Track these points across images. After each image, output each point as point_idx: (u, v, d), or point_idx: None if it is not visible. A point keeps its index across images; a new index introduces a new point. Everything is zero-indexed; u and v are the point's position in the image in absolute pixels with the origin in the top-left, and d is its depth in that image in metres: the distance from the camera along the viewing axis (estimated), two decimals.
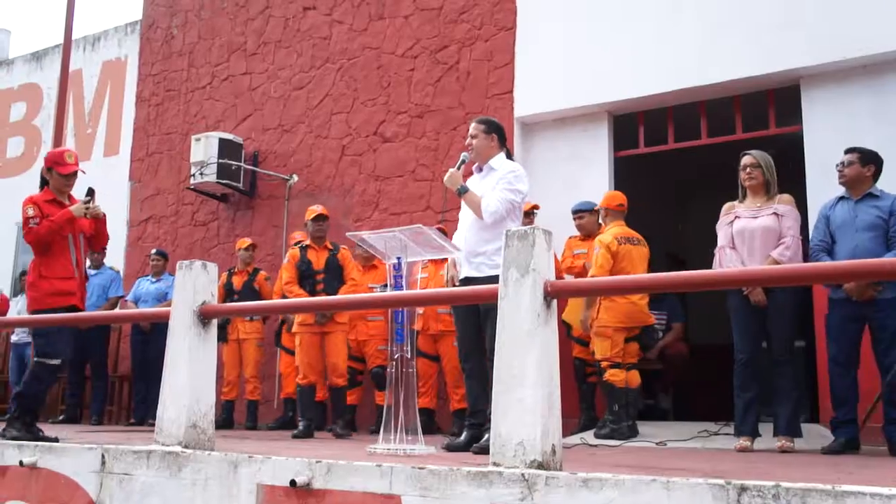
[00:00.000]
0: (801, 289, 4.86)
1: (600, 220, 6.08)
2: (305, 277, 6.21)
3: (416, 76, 7.72)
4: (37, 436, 4.51)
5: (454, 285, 4.52)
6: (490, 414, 2.76)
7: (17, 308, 8.72)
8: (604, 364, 5.50)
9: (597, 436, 5.42)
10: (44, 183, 4.99)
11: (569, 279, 6.24)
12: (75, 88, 10.18)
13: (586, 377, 6.16)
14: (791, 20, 5.97)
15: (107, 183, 9.51)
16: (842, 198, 4.66)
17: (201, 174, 8.25)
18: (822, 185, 5.45)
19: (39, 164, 5.40)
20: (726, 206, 4.89)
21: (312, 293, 6.11)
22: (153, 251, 8.34)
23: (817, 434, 5.00)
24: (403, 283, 4.09)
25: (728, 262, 4.70)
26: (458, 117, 7.31)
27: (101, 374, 8.14)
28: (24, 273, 7.90)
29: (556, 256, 5.98)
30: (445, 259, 4.84)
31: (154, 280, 8.15)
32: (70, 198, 5.03)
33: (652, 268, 6.12)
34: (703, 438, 5.27)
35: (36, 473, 3.75)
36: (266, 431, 7.08)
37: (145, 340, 7.84)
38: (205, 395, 3.61)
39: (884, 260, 3.69)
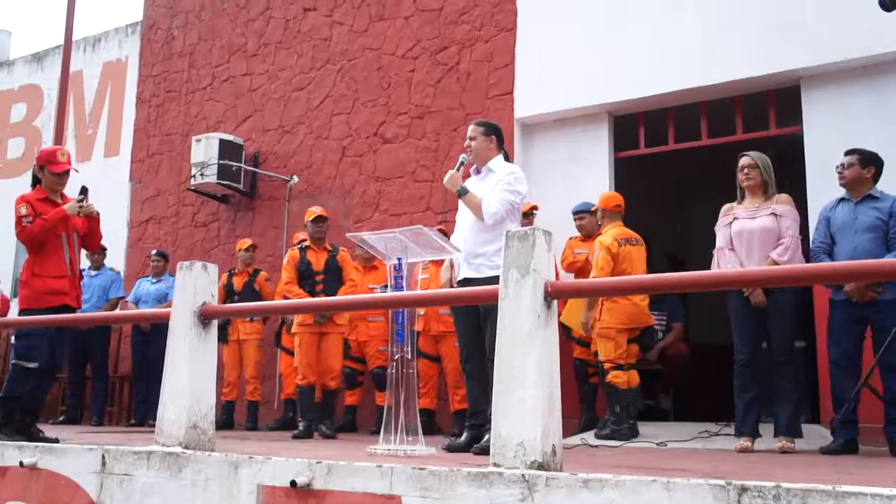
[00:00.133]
0: (800, 289, 4.86)
1: (598, 222, 6.08)
2: (305, 278, 6.23)
3: (417, 77, 7.73)
4: (36, 437, 4.50)
5: (452, 287, 4.53)
6: (490, 414, 2.76)
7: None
8: (607, 365, 5.50)
9: (597, 436, 5.42)
10: (35, 181, 4.96)
11: (571, 278, 6.25)
12: (76, 89, 10.19)
13: (587, 378, 6.17)
14: (791, 21, 5.97)
15: (107, 184, 9.54)
16: (842, 199, 4.66)
17: (202, 175, 8.26)
18: (823, 186, 5.45)
19: None
20: (725, 207, 4.90)
21: (312, 294, 6.12)
22: (153, 252, 8.35)
23: (818, 435, 5.00)
24: (404, 284, 4.10)
25: (726, 263, 4.70)
26: (458, 118, 7.31)
27: (102, 375, 8.15)
28: None
29: (555, 258, 5.99)
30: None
31: (154, 281, 8.15)
32: (63, 196, 5.01)
33: (651, 268, 6.13)
34: (703, 439, 5.27)
35: (36, 474, 3.75)
36: (266, 432, 7.08)
37: (146, 341, 7.84)
38: (205, 395, 3.62)
39: (884, 261, 3.69)
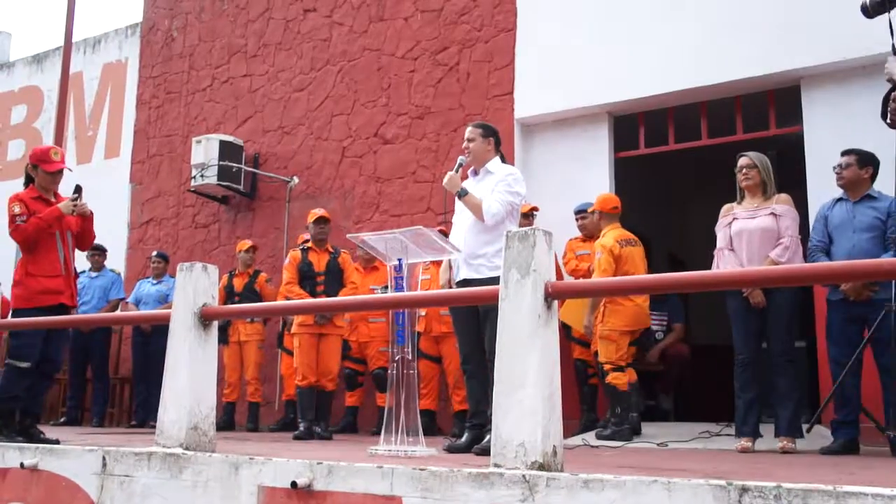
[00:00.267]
0: (800, 289, 4.86)
1: (594, 221, 6.09)
2: (306, 279, 6.25)
3: (417, 78, 7.73)
4: (37, 438, 4.50)
5: (450, 288, 4.54)
6: (491, 415, 2.76)
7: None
8: (606, 367, 5.50)
9: (598, 437, 5.42)
10: (29, 180, 4.94)
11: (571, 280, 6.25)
12: (76, 91, 10.19)
13: (588, 378, 6.17)
14: (791, 21, 5.97)
15: (107, 185, 9.54)
16: (840, 199, 4.67)
17: (202, 176, 8.26)
18: (823, 186, 5.44)
19: None
20: (725, 207, 4.91)
21: (313, 294, 6.13)
22: (154, 253, 8.35)
23: (819, 435, 5.00)
24: (404, 285, 4.10)
25: (726, 263, 4.71)
26: (458, 119, 7.31)
27: (103, 376, 8.15)
28: None
29: (557, 258, 5.99)
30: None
31: (155, 282, 8.15)
32: (56, 195, 5.00)
33: (652, 268, 6.13)
34: (704, 439, 5.27)
35: (37, 475, 3.75)
36: (267, 433, 7.08)
37: (146, 342, 7.84)
38: (206, 396, 3.62)
39: (882, 260, 3.70)
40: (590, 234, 6.30)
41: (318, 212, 6.49)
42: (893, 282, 4.17)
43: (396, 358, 4.02)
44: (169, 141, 9.47)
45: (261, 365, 7.62)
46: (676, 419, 6.72)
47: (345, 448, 4.79)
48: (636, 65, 6.55)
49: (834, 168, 4.68)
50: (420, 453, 3.83)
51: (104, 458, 3.53)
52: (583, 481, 2.34)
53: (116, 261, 9.03)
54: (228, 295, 7.47)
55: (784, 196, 4.76)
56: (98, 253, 8.26)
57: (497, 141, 4.64)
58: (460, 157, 4.57)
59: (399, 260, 4.08)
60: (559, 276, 6.04)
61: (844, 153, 4.66)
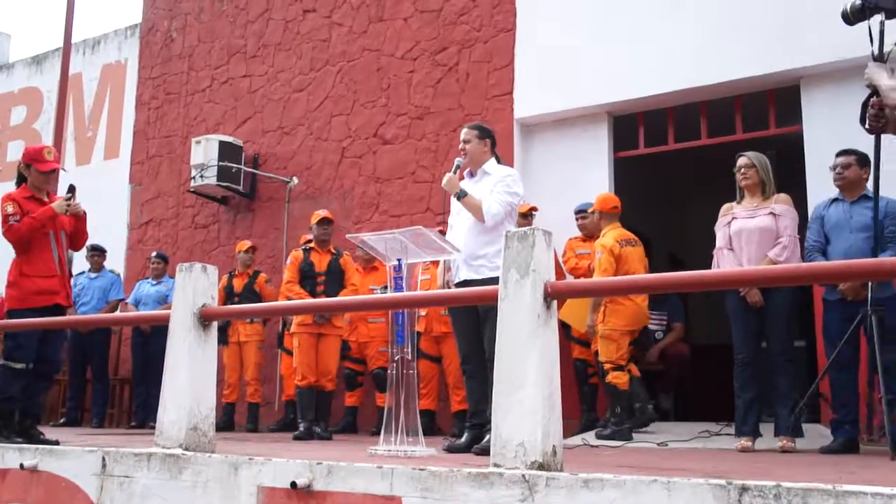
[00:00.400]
0: (799, 289, 4.86)
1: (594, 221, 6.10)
2: (306, 278, 6.26)
3: (416, 78, 7.73)
4: (36, 439, 4.49)
5: (449, 288, 4.54)
6: (490, 415, 2.76)
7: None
8: (607, 366, 5.51)
9: (598, 436, 5.42)
10: (21, 179, 4.91)
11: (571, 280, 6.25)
12: (75, 92, 10.19)
13: (587, 378, 6.17)
14: (791, 20, 5.97)
15: (107, 186, 9.55)
16: (835, 199, 4.68)
17: (201, 177, 8.26)
18: (822, 185, 5.44)
19: None
20: (724, 207, 4.92)
21: (312, 294, 6.14)
22: (153, 254, 8.35)
23: (818, 434, 5.00)
24: (404, 285, 4.10)
25: (725, 263, 4.71)
26: (457, 119, 7.30)
27: (102, 377, 8.15)
28: None
29: (557, 257, 5.99)
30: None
31: (154, 283, 8.15)
32: (49, 195, 4.99)
33: (652, 268, 6.13)
34: (704, 439, 5.27)
35: (36, 476, 3.75)
36: (267, 433, 7.08)
37: (146, 343, 7.84)
38: (205, 397, 3.61)
39: (881, 260, 3.70)
40: (590, 234, 6.31)
41: (322, 213, 6.51)
42: (870, 286, 4.17)
43: (396, 358, 4.02)
44: (168, 142, 9.47)
45: (260, 365, 7.63)
46: (676, 419, 6.72)
47: (344, 448, 4.79)
48: (636, 65, 6.55)
49: (833, 168, 4.68)
50: (420, 453, 3.83)
51: (104, 459, 3.52)
52: (582, 481, 2.34)
53: (116, 261, 9.03)
54: (228, 295, 7.47)
55: (783, 196, 4.77)
56: (97, 254, 8.27)
57: (493, 142, 4.66)
58: (457, 159, 4.59)
59: (398, 260, 4.08)
60: (559, 275, 6.04)
61: (842, 153, 4.66)
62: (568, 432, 5.19)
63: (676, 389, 7.00)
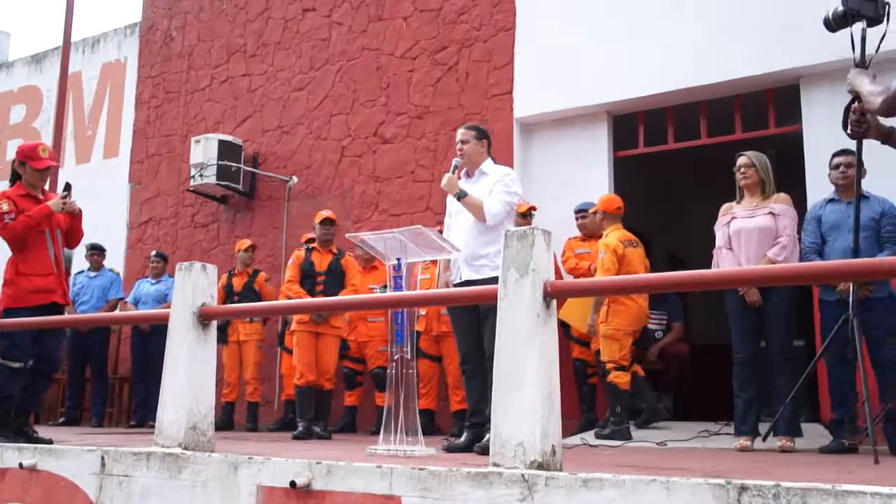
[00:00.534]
0: (797, 288, 4.87)
1: (596, 221, 6.10)
2: (306, 278, 6.28)
3: (416, 77, 7.73)
4: (30, 437, 4.48)
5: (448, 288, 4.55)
6: (490, 414, 2.76)
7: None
8: (609, 366, 5.51)
9: (598, 436, 5.42)
10: (15, 177, 4.88)
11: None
12: (75, 91, 10.18)
13: (587, 378, 6.17)
14: (791, 20, 5.96)
15: (106, 185, 9.55)
16: (831, 199, 4.68)
17: (201, 176, 8.25)
18: (822, 185, 5.44)
19: None
20: (724, 206, 4.92)
21: (311, 294, 6.14)
22: (153, 253, 8.35)
23: (817, 434, 5.00)
24: (403, 285, 4.10)
25: (725, 262, 4.72)
26: (457, 118, 7.30)
27: (101, 376, 8.15)
28: None
29: (556, 257, 5.99)
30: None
31: (154, 282, 8.15)
32: (44, 192, 4.97)
33: (652, 268, 6.13)
34: (703, 438, 5.27)
35: (35, 476, 3.75)
36: (266, 433, 7.08)
37: (145, 342, 7.84)
38: (205, 396, 3.61)
39: (879, 259, 3.70)
40: (589, 234, 6.31)
41: (325, 213, 6.53)
42: (851, 290, 4.17)
43: (395, 357, 4.02)
44: (168, 140, 9.46)
45: (260, 364, 7.62)
46: (676, 418, 6.72)
47: (344, 448, 4.79)
48: (635, 64, 6.54)
49: (837, 167, 4.67)
50: (419, 453, 3.83)
51: (103, 458, 3.52)
52: (582, 480, 2.34)
53: (115, 260, 9.03)
54: (227, 294, 7.46)
55: (783, 196, 4.77)
56: (97, 253, 8.27)
57: (489, 142, 4.70)
58: (455, 159, 4.61)
59: (398, 259, 4.08)
60: (558, 275, 6.04)
61: (841, 153, 4.66)
62: (567, 432, 5.19)
63: (676, 389, 7.00)
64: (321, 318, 6.12)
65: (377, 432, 4.64)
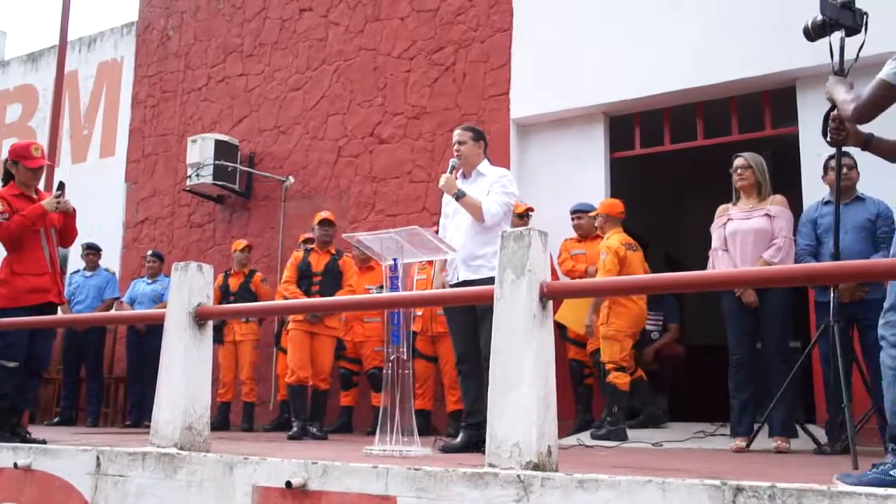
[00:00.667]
0: (793, 290, 4.88)
1: (596, 225, 6.12)
2: (303, 278, 6.28)
3: (413, 77, 7.73)
4: (24, 438, 4.48)
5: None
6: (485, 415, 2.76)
7: None
8: (609, 366, 5.52)
9: (593, 437, 5.42)
10: (8, 176, 4.86)
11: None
12: (71, 90, 10.17)
13: (583, 379, 6.17)
14: (787, 21, 5.95)
15: (102, 184, 9.53)
16: (828, 202, 4.69)
17: (197, 176, 8.25)
18: (818, 187, 5.45)
19: None
20: (720, 208, 4.93)
21: (307, 294, 6.14)
22: (149, 253, 8.33)
23: (813, 435, 5.00)
24: (399, 285, 4.10)
25: (721, 264, 4.73)
26: (454, 119, 7.30)
27: (97, 376, 8.13)
28: None
29: (552, 258, 5.99)
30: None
31: (150, 281, 8.13)
32: (37, 191, 4.96)
33: (650, 269, 6.14)
34: (699, 439, 5.28)
35: (30, 475, 3.74)
36: (262, 433, 7.07)
37: (141, 342, 7.83)
38: (200, 396, 3.61)
39: (874, 261, 3.70)
40: (585, 235, 6.33)
41: (324, 214, 6.53)
42: (832, 296, 4.17)
43: (391, 358, 4.02)
44: (164, 140, 9.45)
45: (256, 365, 7.62)
46: (671, 419, 6.72)
47: (340, 448, 4.79)
48: (632, 65, 6.55)
49: (838, 169, 4.68)
50: (415, 453, 3.83)
51: (98, 458, 3.52)
52: (578, 481, 2.34)
53: (111, 260, 9.01)
54: (224, 294, 7.46)
55: (779, 198, 4.78)
56: (93, 252, 8.25)
57: (486, 144, 4.73)
58: (452, 160, 4.62)
59: (394, 260, 4.08)
60: (554, 276, 6.05)
61: (840, 155, 4.66)
62: (563, 433, 5.19)
63: (671, 390, 7.01)
64: (316, 318, 6.12)
65: (373, 433, 4.63)
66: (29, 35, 33.04)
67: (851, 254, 4.37)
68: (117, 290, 8.29)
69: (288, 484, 2.86)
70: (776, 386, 4.56)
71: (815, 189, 5.58)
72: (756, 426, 4.65)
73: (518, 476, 2.45)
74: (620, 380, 5.49)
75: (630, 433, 5.44)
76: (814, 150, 5.82)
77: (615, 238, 5.69)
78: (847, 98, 3.10)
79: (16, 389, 4.62)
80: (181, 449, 3.42)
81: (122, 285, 8.51)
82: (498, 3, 7.33)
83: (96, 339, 8.09)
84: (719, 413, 5.63)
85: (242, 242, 7.86)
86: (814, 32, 3.97)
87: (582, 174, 6.80)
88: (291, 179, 8.29)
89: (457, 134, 4.66)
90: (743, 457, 4.22)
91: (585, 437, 5.48)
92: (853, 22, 3.87)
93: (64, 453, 3.69)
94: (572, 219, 6.39)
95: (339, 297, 5.87)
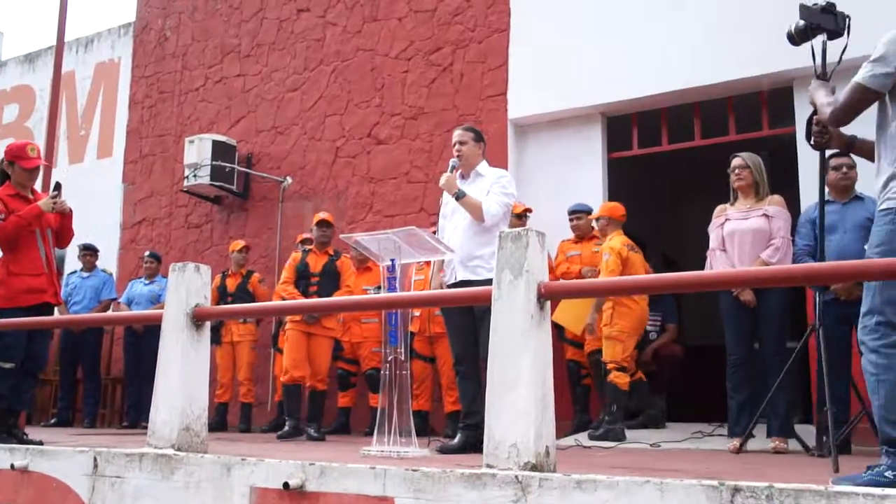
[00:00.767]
0: (791, 290, 4.88)
1: (595, 226, 6.13)
2: (301, 279, 6.29)
3: (410, 78, 7.73)
4: (20, 440, 4.47)
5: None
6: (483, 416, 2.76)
7: None
8: (610, 366, 5.53)
9: (591, 437, 5.42)
10: (4, 177, 4.85)
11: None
12: (68, 90, 10.15)
13: (580, 379, 6.18)
14: (785, 21, 5.93)
15: (100, 185, 9.52)
16: (827, 201, 4.69)
17: (195, 176, 8.24)
18: (815, 187, 5.45)
19: None
20: (718, 208, 4.94)
21: (305, 295, 6.15)
22: (146, 253, 8.32)
23: (811, 435, 5.00)
24: (397, 286, 4.09)
25: (718, 264, 4.73)
26: (452, 119, 7.30)
27: (94, 377, 8.12)
28: None
29: (550, 259, 6.00)
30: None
31: (147, 282, 8.12)
32: (34, 192, 4.96)
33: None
34: (696, 439, 5.28)
35: (27, 477, 3.73)
36: (259, 434, 7.07)
37: (138, 343, 7.81)
38: (198, 397, 3.60)
39: (871, 261, 3.70)
40: (582, 235, 6.33)
41: (322, 215, 6.53)
42: (816, 300, 4.17)
43: (389, 359, 4.02)
44: (162, 141, 9.44)
45: (253, 365, 7.61)
46: (669, 419, 6.73)
47: (337, 449, 4.78)
48: (630, 65, 6.56)
49: (839, 168, 4.69)
50: (413, 454, 3.83)
51: (95, 459, 3.51)
52: (575, 482, 2.34)
53: (108, 261, 9.00)
54: (221, 295, 7.45)
55: (777, 198, 4.78)
56: (90, 253, 8.24)
57: (484, 144, 4.75)
58: (452, 160, 4.62)
59: (392, 260, 4.08)
60: (552, 276, 6.05)
61: (838, 155, 4.68)
62: (560, 433, 5.19)
63: (669, 390, 7.01)
64: (313, 319, 6.12)
65: (371, 433, 4.62)
66: (26, 35, 33.02)
67: (851, 253, 4.37)
68: (114, 290, 8.28)
69: (285, 485, 2.86)
70: (777, 386, 4.56)
71: (812, 189, 5.57)
72: (762, 425, 4.65)
73: (516, 477, 2.45)
74: (621, 379, 5.49)
75: (628, 433, 5.44)
76: (811, 151, 5.82)
77: (617, 240, 5.71)
78: (826, 101, 3.15)
79: (12, 390, 4.62)
80: (178, 450, 3.42)
81: (119, 286, 8.49)
82: (495, 3, 7.33)
83: (93, 340, 8.07)
84: (717, 413, 5.63)
85: (240, 243, 7.85)
86: (797, 37, 4.01)
87: (579, 174, 6.81)
88: (289, 180, 8.28)
89: (457, 134, 4.67)
90: (740, 457, 4.22)
91: (583, 437, 5.48)
92: (835, 25, 3.90)
93: (61, 454, 3.69)
94: (570, 219, 6.40)
95: (337, 298, 5.87)
